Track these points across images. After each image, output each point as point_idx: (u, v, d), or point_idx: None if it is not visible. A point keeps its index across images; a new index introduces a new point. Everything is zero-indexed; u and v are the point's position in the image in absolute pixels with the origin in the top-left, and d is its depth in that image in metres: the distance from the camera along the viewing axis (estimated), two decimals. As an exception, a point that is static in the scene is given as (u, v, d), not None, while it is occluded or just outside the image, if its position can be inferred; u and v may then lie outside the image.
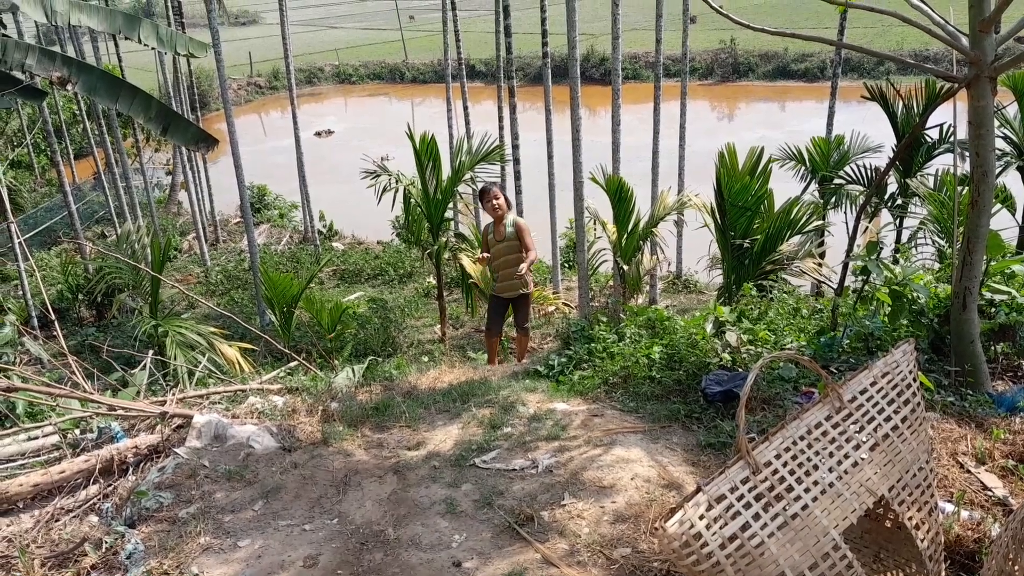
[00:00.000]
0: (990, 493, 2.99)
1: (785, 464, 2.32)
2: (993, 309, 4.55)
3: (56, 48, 15.17)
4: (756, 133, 24.77)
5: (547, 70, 11.49)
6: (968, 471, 3.17)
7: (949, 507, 2.82)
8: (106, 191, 16.90)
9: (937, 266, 6.74)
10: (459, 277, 11.90)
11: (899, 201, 9.54)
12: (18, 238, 10.63)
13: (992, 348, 4.54)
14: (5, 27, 10.15)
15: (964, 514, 2.82)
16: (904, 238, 9.50)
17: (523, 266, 6.90)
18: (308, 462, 4.09)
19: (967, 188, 4.10)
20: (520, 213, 12.80)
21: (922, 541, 2.46)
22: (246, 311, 12.84)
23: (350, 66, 47.44)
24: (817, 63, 35.22)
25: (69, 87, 8.92)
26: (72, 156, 22.29)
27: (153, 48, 10.32)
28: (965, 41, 3.85)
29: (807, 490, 2.29)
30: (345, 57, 48.69)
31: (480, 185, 7.61)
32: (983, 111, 3.77)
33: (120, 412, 4.61)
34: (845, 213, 10.23)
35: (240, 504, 3.66)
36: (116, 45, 16.82)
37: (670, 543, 2.12)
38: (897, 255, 7.26)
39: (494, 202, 7.20)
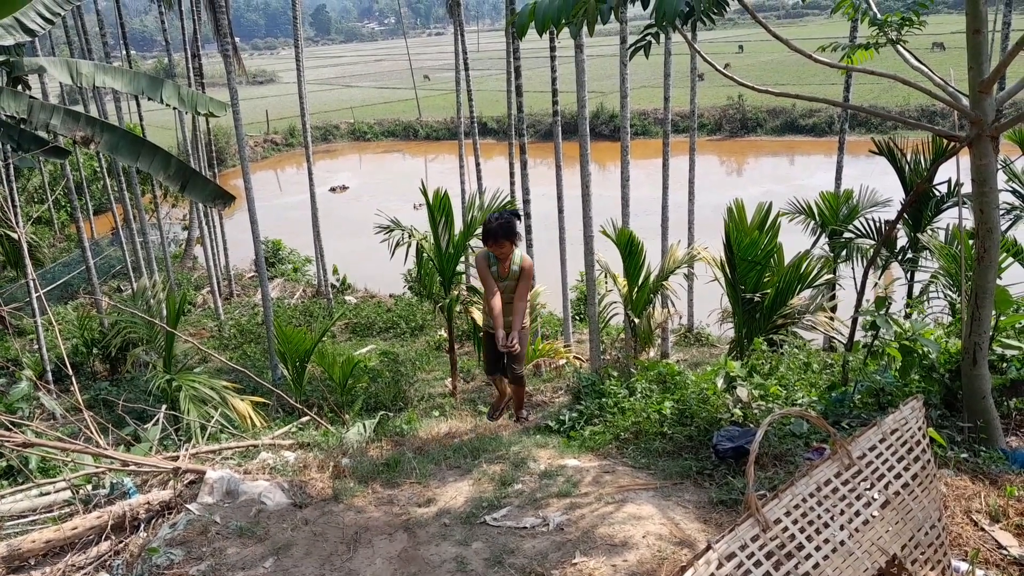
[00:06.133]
0: (1005, 552, 2.95)
1: (795, 522, 2.31)
2: (1004, 364, 4.53)
3: (79, 108, 15.63)
4: (764, 187, 24.99)
5: (557, 127, 11.72)
6: (982, 529, 3.13)
7: (964, 566, 2.79)
8: (123, 246, 17.20)
9: (948, 319, 6.74)
10: (470, 330, 11.94)
11: (910, 255, 9.57)
12: (37, 292, 10.81)
13: (1005, 403, 4.51)
14: (31, 88, 10.46)
15: (979, 573, 2.78)
16: (916, 291, 9.51)
17: (513, 336, 5.69)
18: (319, 519, 4.08)
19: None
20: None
21: (936, 601, 2.44)
22: (258, 365, 12.91)
23: (365, 124, 48.46)
24: (825, 118, 35.69)
25: (92, 146, 9.15)
26: (91, 212, 22.74)
27: (174, 108, 10.61)
28: (966, 101, 3.93)
29: (818, 548, 2.29)
30: (360, 115, 49.78)
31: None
32: (985, 169, 3.83)
33: (133, 468, 4.64)
34: (853, 268, 10.26)
35: (251, 561, 3.65)
36: (138, 104, 17.32)
37: (680, 602, 2.11)
38: (909, 309, 7.27)
39: (498, 251, 5.87)
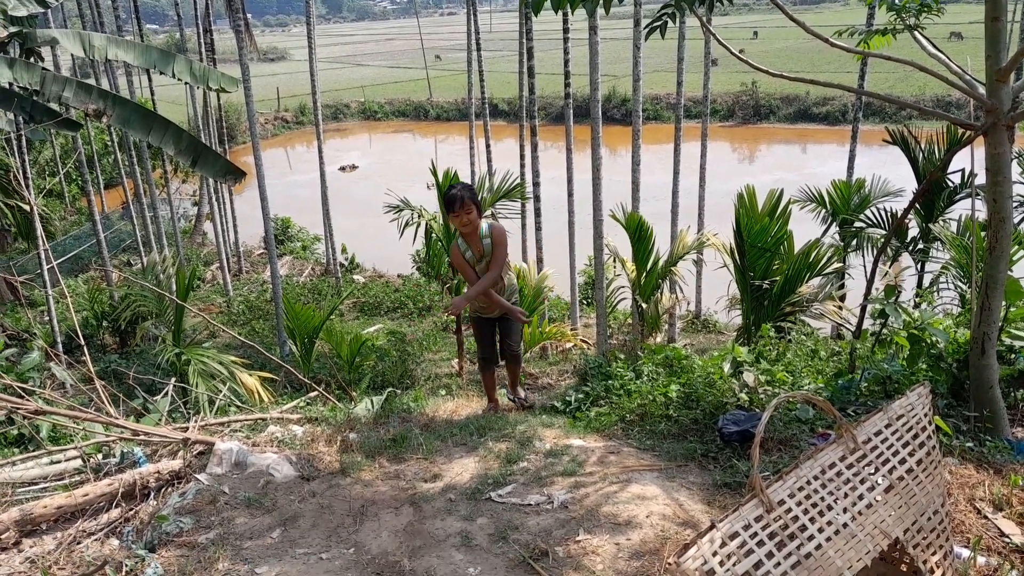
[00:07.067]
0: (1007, 540, 2.97)
1: (799, 504, 2.34)
2: (1013, 355, 4.53)
3: (91, 81, 15.64)
4: (776, 175, 24.85)
5: (569, 110, 11.66)
6: (985, 517, 3.15)
7: (965, 552, 2.81)
8: (134, 220, 17.26)
9: (957, 310, 6.72)
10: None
11: (920, 245, 9.53)
12: (48, 264, 10.87)
13: (1012, 394, 4.52)
14: (43, 60, 10.47)
15: (981, 560, 2.81)
16: (926, 282, 9.48)
17: (514, 307, 5.64)
18: (326, 491, 4.13)
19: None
20: (539, 248, 12.83)
21: (937, 585, 2.46)
22: (267, 341, 12.97)
23: (376, 103, 48.34)
24: (838, 107, 35.42)
25: (104, 119, 9.17)
26: (102, 186, 22.78)
27: (186, 83, 10.61)
28: (982, 90, 3.91)
29: (821, 530, 2.31)
30: (371, 94, 49.65)
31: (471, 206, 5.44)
32: (1000, 158, 3.82)
33: (143, 437, 4.69)
34: (864, 257, 10.22)
35: (259, 531, 3.70)
36: (149, 79, 17.30)
37: (683, 579, 2.14)
38: (918, 299, 7.24)
39: (465, 217, 5.38)
